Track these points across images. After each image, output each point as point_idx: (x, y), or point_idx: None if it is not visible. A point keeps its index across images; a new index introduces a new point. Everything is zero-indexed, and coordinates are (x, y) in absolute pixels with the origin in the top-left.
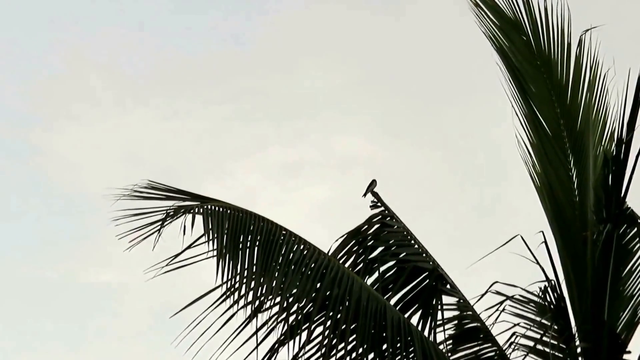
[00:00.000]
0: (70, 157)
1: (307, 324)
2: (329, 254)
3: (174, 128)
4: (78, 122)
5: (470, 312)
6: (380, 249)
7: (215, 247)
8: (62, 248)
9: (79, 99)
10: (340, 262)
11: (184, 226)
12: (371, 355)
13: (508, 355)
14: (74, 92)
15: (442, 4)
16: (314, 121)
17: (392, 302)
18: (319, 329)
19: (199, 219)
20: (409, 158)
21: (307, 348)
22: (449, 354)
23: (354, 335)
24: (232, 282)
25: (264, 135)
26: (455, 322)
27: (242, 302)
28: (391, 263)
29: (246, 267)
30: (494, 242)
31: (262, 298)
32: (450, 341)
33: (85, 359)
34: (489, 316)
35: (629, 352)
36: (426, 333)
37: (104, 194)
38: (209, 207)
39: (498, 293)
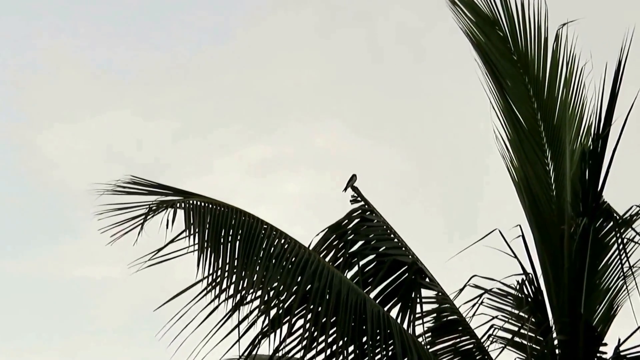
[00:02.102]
0: (51, 154)
1: (288, 317)
2: (310, 248)
3: (154, 125)
4: (60, 120)
5: (448, 305)
6: (360, 243)
7: (197, 241)
8: (44, 244)
9: (61, 96)
10: (321, 256)
11: (167, 221)
12: (351, 348)
13: (486, 348)
14: (55, 90)
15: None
16: (292, 118)
17: (372, 295)
18: (300, 322)
19: (181, 213)
20: (387, 153)
21: (288, 341)
22: (428, 346)
23: (334, 328)
24: (214, 276)
25: (243, 132)
26: (434, 314)
27: (223, 296)
28: (371, 257)
29: (228, 261)
30: (472, 236)
31: (244, 292)
32: (429, 334)
33: (68, 353)
34: (469, 309)
35: (605, 344)
36: (405, 326)
37: (86, 189)
38: (191, 201)
39: (476, 286)
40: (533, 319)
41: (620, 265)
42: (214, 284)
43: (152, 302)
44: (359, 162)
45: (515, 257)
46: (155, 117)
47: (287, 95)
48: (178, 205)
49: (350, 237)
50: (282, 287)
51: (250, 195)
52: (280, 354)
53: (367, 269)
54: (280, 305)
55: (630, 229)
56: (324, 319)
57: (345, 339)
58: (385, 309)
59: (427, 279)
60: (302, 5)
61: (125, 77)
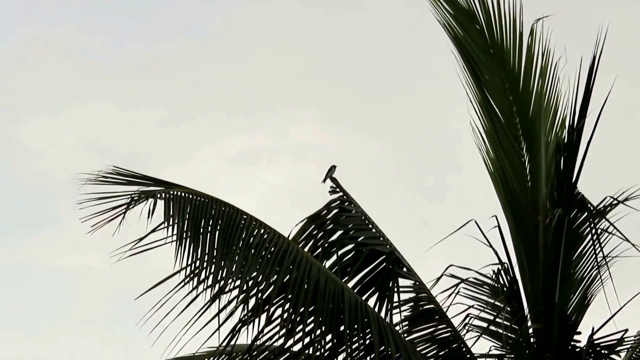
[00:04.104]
0: (33, 144)
1: (267, 307)
2: (289, 238)
3: (135, 116)
4: (41, 110)
5: (425, 294)
6: (339, 233)
7: (176, 231)
8: (25, 233)
9: (42, 86)
10: (300, 246)
11: (149, 211)
12: (329, 336)
13: (462, 336)
14: (37, 81)
15: None
16: (270, 109)
17: (350, 284)
18: (279, 311)
19: (162, 204)
20: (363, 145)
21: (267, 330)
22: (405, 335)
23: (313, 317)
24: (194, 266)
25: (221, 123)
26: (411, 304)
27: (203, 285)
28: (349, 247)
29: (207, 251)
30: (449, 226)
31: (223, 281)
32: (407, 322)
33: (49, 342)
34: (445, 298)
35: (579, 332)
36: (383, 314)
37: (69, 179)
38: (172, 192)
39: (453, 276)
40: (508, 308)
41: (594, 256)
42: (194, 273)
43: (131, 292)
44: (333, 154)
45: (491, 247)
46: (136, 107)
47: (266, 86)
48: (159, 195)
49: (329, 227)
50: (261, 276)
51: (229, 185)
52: (259, 342)
53: (345, 258)
54: (259, 294)
55: (604, 220)
56: (303, 308)
57: (324, 327)
58: (363, 298)
59: (405, 269)
60: None
61: (106, 68)
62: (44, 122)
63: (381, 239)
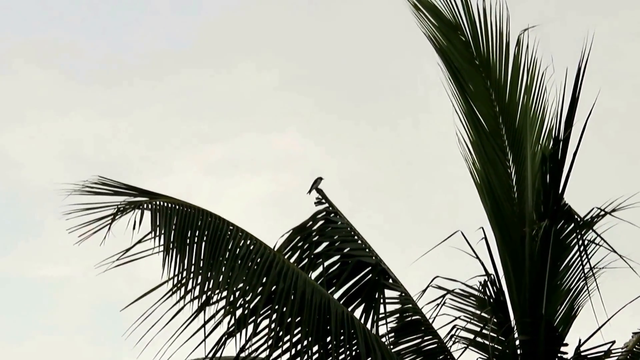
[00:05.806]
0: (12, 154)
1: (254, 318)
2: (275, 249)
3: (114, 125)
4: (20, 120)
5: (411, 306)
6: (324, 244)
7: (162, 242)
8: (6, 243)
9: (21, 96)
10: (286, 257)
11: (135, 221)
12: (315, 347)
13: (449, 348)
14: (15, 90)
15: (379, 3)
16: (251, 118)
17: (336, 296)
18: (265, 322)
19: (148, 214)
20: (345, 154)
21: (254, 341)
22: (391, 346)
23: (299, 328)
24: (180, 277)
25: (201, 132)
26: (398, 315)
27: (189, 297)
28: (335, 258)
29: (193, 262)
30: (435, 237)
31: (209, 292)
32: (393, 334)
33: (31, 353)
34: (431, 309)
35: (566, 344)
36: (369, 326)
37: (51, 189)
38: (158, 203)
39: (439, 287)
40: (495, 320)
41: (581, 267)
42: (180, 284)
43: (117, 303)
44: (314, 163)
45: (478, 258)
46: (115, 117)
47: (245, 96)
48: (145, 206)
49: (315, 238)
50: (247, 287)
51: (208, 195)
52: (245, 353)
53: (331, 269)
54: (246, 305)
55: (591, 231)
56: (289, 319)
57: (310, 338)
58: (349, 309)
59: (391, 280)
60: (260, 6)
61: (87, 77)
62: (26, 131)
63: (367, 250)
